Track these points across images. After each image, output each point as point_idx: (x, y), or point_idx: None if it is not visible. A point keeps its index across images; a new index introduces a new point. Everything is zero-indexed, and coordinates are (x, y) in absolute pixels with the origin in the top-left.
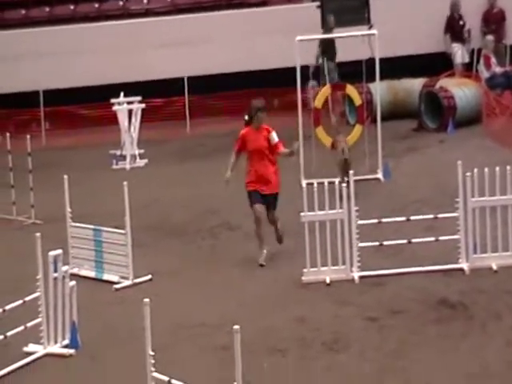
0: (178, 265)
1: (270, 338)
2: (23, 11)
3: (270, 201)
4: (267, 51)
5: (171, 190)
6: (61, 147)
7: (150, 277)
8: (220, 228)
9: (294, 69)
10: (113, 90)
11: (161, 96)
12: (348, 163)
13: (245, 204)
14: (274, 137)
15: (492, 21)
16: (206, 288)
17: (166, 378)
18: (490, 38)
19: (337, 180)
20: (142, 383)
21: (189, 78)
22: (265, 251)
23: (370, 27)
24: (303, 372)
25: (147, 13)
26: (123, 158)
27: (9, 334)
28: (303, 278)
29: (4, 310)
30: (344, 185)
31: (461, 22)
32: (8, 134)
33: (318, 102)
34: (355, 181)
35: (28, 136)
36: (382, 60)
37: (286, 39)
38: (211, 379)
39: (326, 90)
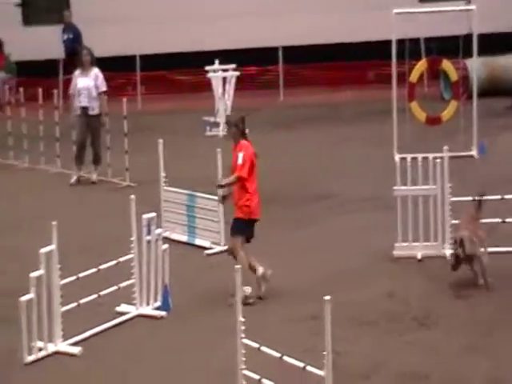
0: (268, 232)
1: (358, 311)
2: None
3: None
4: (364, 23)
5: (263, 158)
6: (155, 112)
7: None
8: (312, 197)
9: (389, 42)
10: (208, 56)
11: (255, 64)
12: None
13: (338, 174)
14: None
15: None
16: (296, 257)
17: (255, 345)
18: None
19: (431, 156)
20: (231, 349)
21: (284, 48)
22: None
23: (469, 2)
24: (390, 346)
25: None
26: (216, 125)
27: (102, 293)
28: (394, 252)
29: (98, 270)
30: None
31: None
32: (105, 97)
33: (413, 76)
34: (449, 157)
35: (124, 99)
36: (479, 36)
37: (383, 12)
38: (300, 348)
39: (421, 64)
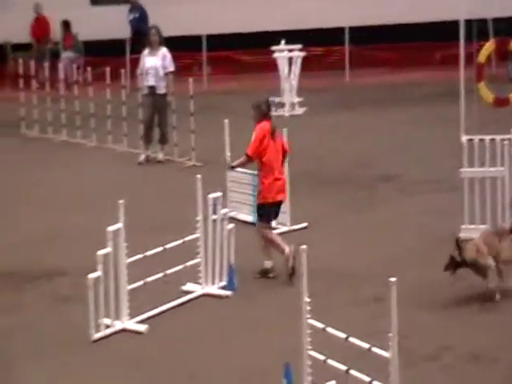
0: (333, 214)
1: (423, 293)
2: None
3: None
4: (431, 3)
5: (328, 138)
6: (221, 91)
7: (305, 224)
8: (375, 179)
9: (456, 22)
10: (274, 37)
11: (321, 45)
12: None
13: (404, 155)
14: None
15: None
16: (361, 238)
17: (321, 326)
18: None
19: (498, 138)
20: (296, 329)
21: (350, 28)
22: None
23: None
24: (456, 328)
25: None
26: (282, 105)
27: (168, 272)
28: (461, 234)
29: (165, 249)
30: None
31: None
32: (171, 76)
33: (481, 57)
34: None
35: (190, 79)
36: None
37: None
38: (365, 330)
39: (489, 45)
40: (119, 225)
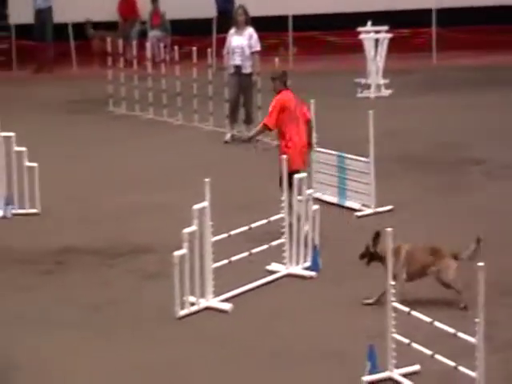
0: (419, 197)
1: (510, 279)
2: None
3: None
4: None
5: (414, 121)
6: (307, 72)
7: (391, 206)
8: (462, 162)
9: None
10: (360, 18)
11: (408, 27)
12: None
13: (493, 139)
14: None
15: None
16: (446, 222)
17: (406, 309)
18: None
19: None
20: (381, 312)
21: (437, 10)
22: None
23: None
24: None
25: None
26: (368, 86)
27: (253, 251)
28: None
29: (250, 228)
30: None
31: None
32: (257, 56)
33: None
34: None
35: (276, 59)
36: None
37: None
38: (450, 314)
39: None
40: (205, 203)
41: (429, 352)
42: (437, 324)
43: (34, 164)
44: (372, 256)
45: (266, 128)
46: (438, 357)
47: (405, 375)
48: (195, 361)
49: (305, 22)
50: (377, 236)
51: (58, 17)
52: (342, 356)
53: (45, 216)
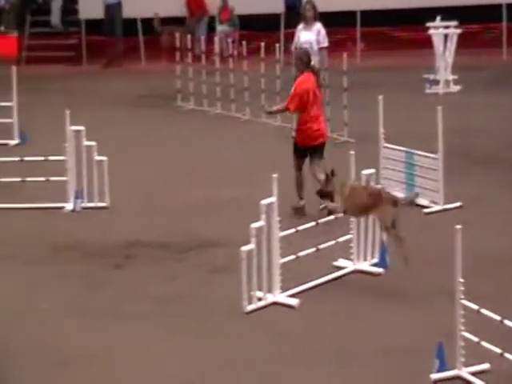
0: (487, 194)
1: None
2: None
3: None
4: None
5: (483, 117)
6: (374, 67)
7: (459, 203)
8: None
9: None
10: (429, 13)
11: (478, 22)
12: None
13: None
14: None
15: None
16: None
17: (475, 307)
18: None
19: None
20: (449, 310)
21: (508, 5)
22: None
23: None
24: None
25: None
26: (436, 82)
27: (320, 247)
28: None
29: (317, 223)
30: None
31: None
32: (325, 52)
33: None
34: None
35: (344, 55)
36: None
37: None
38: None
39: None
40: (272, 198)
41: (498, 350)
42: (506, 322)
43: (104, 158)
44: (325, 194)
45: (287, 110)
46: (508, 355)
47: (474, 374)
48: (262, 355)
49: (373, 18)
50: (327, 176)
51: (127, 12)
52: (410, 353)
53: (113, 210)
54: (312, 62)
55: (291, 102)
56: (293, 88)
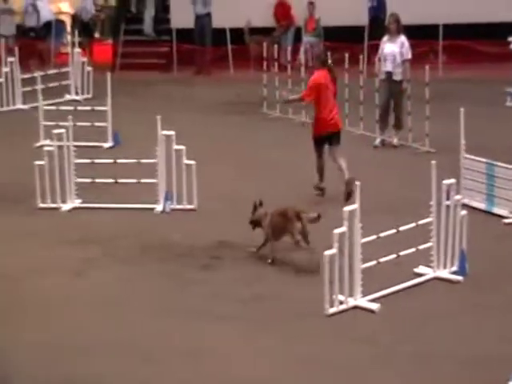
0: None
1: None
2: None
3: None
4: None
5: None
6: (456, 80)
7: None
8: None
9: None
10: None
11: None
12: None
13: None
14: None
15: None
16: None
17: None
18: None
19: None
20: None
21: None
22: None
23: None
24: None
25: None
26: None
27: (401, 253)
28: None
29: (398, 231)
30: None
31: None
32: (408, 64)
33: None
34: None
35: (426, 67)
36: None
37: None
38: None
39: None
40: (355, 205)
41: None
42: None
43: (192, 162)
44: (254, 223)
45: (303, 100)
46: None
47: None
48: (342, 357)
49: (455, 31)
50: (255, 206)
51: (217, 22)
52: (488, 361)
53: (201, 212)
54: (329, 61)
55: (306, 94)
56: (309, 81)
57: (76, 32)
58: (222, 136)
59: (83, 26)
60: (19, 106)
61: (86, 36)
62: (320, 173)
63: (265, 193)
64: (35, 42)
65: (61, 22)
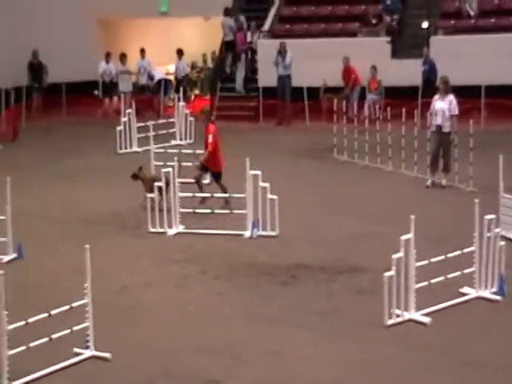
0: None
1: None
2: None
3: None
4: None
5: None
6: (496, 132)
7: None
8: None
9: None
10: None
11: None
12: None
13: None
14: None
15: None
16: None
17: None
18: None
19: None
20: None
21: None
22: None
23: None
24: None
25: None
26: None
27: (449, 276)
28: None
29: (446, 257)
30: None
31: None
32: (456, 119)
33: None
34: None
35: (471, 121)
36: None
37: None
38: None
39: None
40: (410, 235)
41: None
42: None
43: (275, 197)
44: (136, 177)
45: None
46: None
47: None
48: (398, 362)
49: (495, 91)
50: (141, 167)
51: (295, 81)
52: None
53: (282, 238)
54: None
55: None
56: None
57: (181, 89)
58: (300, 176)
59: (178, 83)
60: (135, 148)
61: (178, 91)
62: None
63: (335, 223)
64: (148, 97)
65: (168, 81)
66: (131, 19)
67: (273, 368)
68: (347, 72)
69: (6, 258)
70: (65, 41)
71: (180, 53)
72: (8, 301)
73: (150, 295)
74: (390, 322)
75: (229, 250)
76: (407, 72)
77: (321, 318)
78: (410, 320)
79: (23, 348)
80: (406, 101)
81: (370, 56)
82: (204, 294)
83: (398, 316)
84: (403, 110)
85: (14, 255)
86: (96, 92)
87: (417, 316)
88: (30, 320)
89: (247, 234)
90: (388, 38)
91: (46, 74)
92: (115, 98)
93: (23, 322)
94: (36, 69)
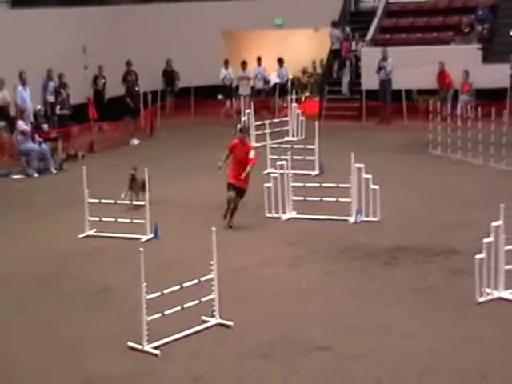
0: None
1: None
2: None
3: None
4: None
5: None
6: None
7: None
8: None
9: None
10: None
11: None
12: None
13: None
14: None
15: None
16: None
17: None
18: None
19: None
20: None
21: None
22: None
23: None
24: None
25: None
26: None
27: None
28: None
29: None
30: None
31: None
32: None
33: None
34: None
35: None
36: None
37: None
38: None
39: None
40: (500, 222)
41: None
42: None
43: (376, 187)
44: (133, 176)
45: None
46: None
47: None
48: (490, 336)
49: None
50: (135, 168)
51: (395, 85)
52: None
53: (383, 223)
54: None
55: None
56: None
57: (294, 91)
58: (398, 168)
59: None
60: (254, 144)
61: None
62: None
63: (430, 210)
64: (265, 99)
65: (283, 85)
66: (250, 31)
67: (379, 339)
68: (442, 76)
69: (145, 238)
70: (193, 51)
71: (281, 61)
72: (146, 274)
73: (267, 273)
74: (481, 299)
75: (335, 233)
76: (496, 75)
77: (419, 295)
78: (499, 298)
79: (159, 315)
80: (495, 101)
81: (463, 61)
82: (314, 272)
83: (488, 294)
84: (493, 109)
85: (151, 235)
86: (220, 96)
87: (505, 294)
88: (165, 291)
89: (352, 219)
90: (479, 45)
91: (178, 79)
92: (234, 100)
93: (159, 293)
94: (169, 75)
